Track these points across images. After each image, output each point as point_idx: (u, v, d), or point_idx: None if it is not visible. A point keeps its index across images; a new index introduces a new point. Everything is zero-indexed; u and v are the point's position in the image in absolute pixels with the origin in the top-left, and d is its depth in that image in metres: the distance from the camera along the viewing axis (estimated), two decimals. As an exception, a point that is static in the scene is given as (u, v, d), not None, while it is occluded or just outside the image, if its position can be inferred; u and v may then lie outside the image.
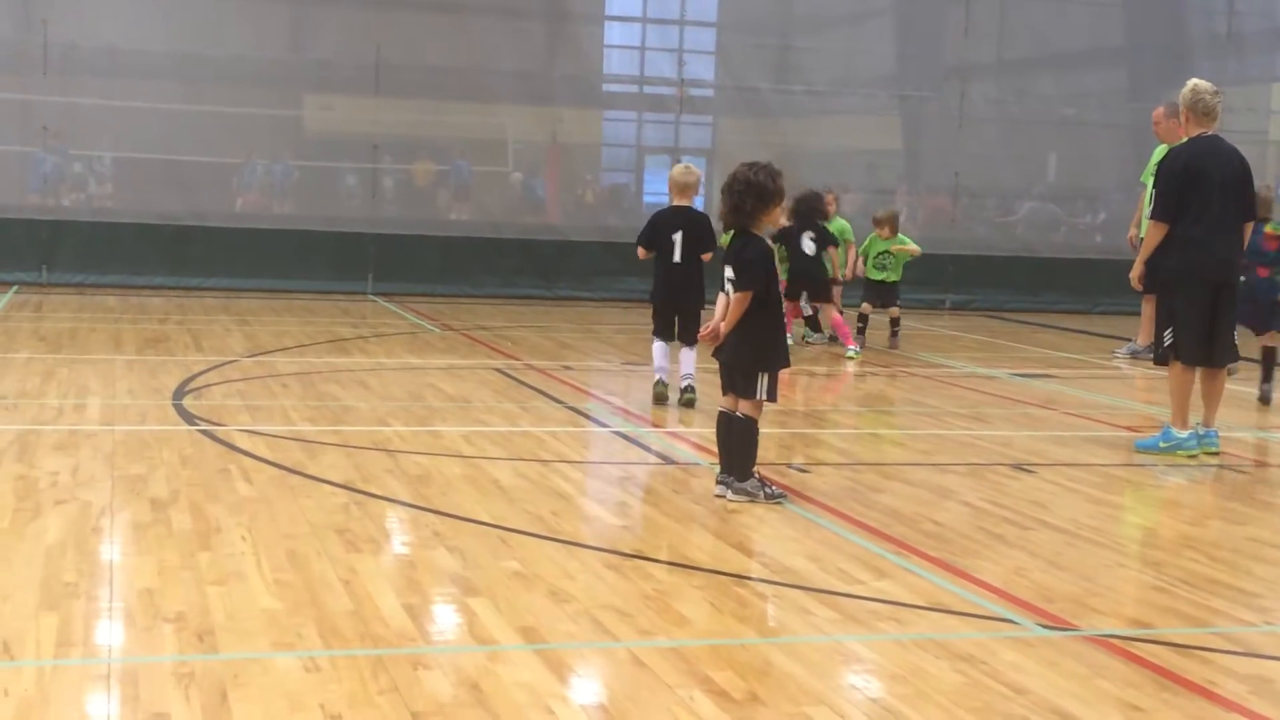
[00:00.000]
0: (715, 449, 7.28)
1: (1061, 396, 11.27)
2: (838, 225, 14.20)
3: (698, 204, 11.48)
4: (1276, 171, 21.64)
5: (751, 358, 6.89)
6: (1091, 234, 21.89)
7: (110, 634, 4.67)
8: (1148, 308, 13.23)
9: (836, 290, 13.86)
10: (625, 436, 8.87)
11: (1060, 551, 6.32)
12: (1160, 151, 13.58)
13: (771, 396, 6.97)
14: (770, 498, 6.90)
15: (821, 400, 10.85)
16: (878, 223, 14.21)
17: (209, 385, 10.01)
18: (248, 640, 4.60)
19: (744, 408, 6.92)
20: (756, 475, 6.97)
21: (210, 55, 18.44)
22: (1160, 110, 13.35)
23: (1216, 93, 8.56)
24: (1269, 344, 10.89)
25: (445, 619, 5.01)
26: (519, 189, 20.69)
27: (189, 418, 8.67)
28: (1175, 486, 7.97)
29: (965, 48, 20.81)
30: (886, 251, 14.08)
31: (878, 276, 14.12)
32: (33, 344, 11.96)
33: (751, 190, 6.86)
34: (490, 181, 20.54)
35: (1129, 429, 9.74)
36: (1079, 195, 22.08)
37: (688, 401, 9.75)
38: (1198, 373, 8.66)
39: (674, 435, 8.94)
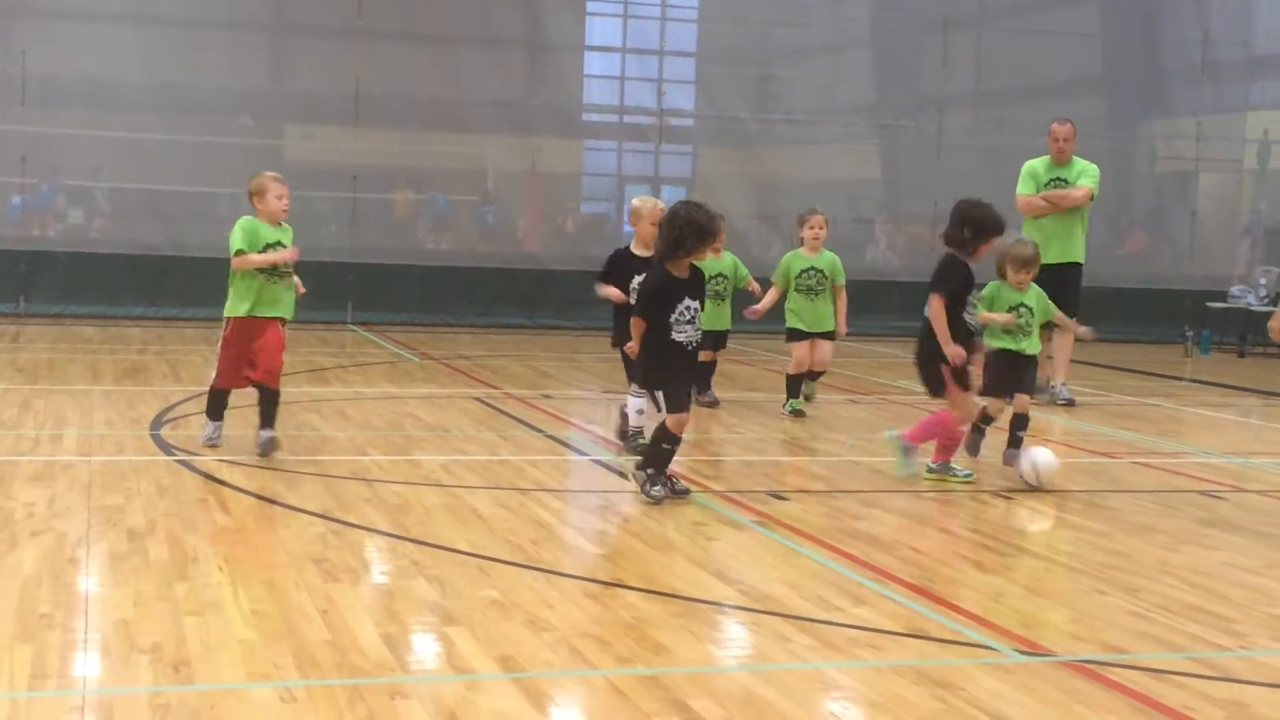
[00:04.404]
0: (694, 476, 7.32)
1: (1040, 423, 11.30)
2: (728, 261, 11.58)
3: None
4: (1251, 199, 21.82)
5: None
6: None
7: (86, 665, 4.65)
8: (1062, 343, 12.74)
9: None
10: (605, 465, 8.87)
11: (1038, 578, 6.33)
12: (1033, 166, 13.29)
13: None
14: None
15: (800, 428, 10.85)
16: None
17: (187, 415, 9.98)
18: (224, 671, 4.58)
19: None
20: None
21: (190, 85, 18.46)
22: (1070, 128, 13.10)
23: None
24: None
25: (423, 648, 4.99)
26: (498, 218, 20.73)
27: (167, 448, 8.65)
28: (1152, 512, 7.99)
29: (944, 77, 20.96)
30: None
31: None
32: (10, 374, 11.92)
33: None
34: (470, 211, 20.58)
35: (1106, 455, 9.77)
36: (1058, 224, 22.13)
37: None
38: None
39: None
